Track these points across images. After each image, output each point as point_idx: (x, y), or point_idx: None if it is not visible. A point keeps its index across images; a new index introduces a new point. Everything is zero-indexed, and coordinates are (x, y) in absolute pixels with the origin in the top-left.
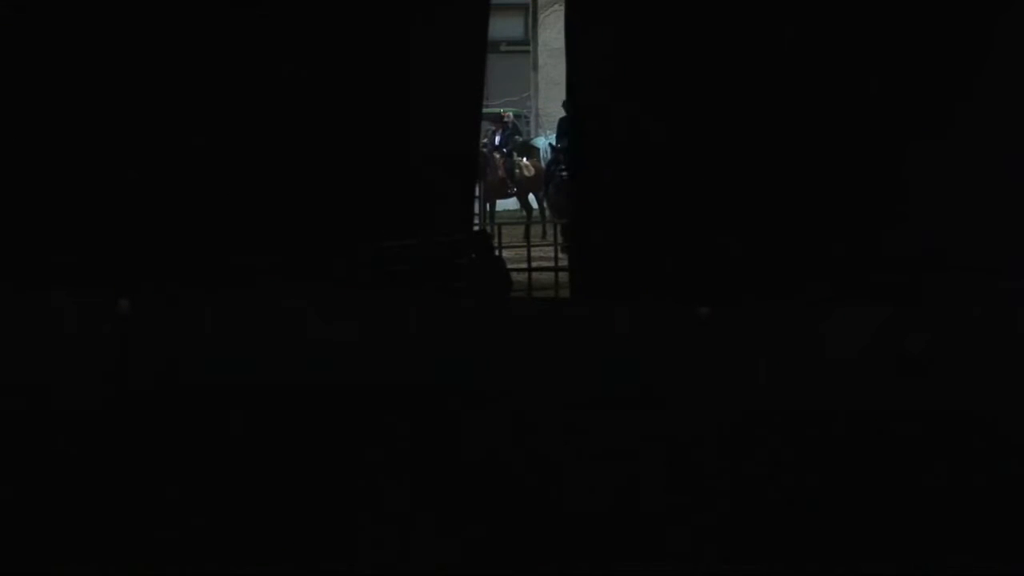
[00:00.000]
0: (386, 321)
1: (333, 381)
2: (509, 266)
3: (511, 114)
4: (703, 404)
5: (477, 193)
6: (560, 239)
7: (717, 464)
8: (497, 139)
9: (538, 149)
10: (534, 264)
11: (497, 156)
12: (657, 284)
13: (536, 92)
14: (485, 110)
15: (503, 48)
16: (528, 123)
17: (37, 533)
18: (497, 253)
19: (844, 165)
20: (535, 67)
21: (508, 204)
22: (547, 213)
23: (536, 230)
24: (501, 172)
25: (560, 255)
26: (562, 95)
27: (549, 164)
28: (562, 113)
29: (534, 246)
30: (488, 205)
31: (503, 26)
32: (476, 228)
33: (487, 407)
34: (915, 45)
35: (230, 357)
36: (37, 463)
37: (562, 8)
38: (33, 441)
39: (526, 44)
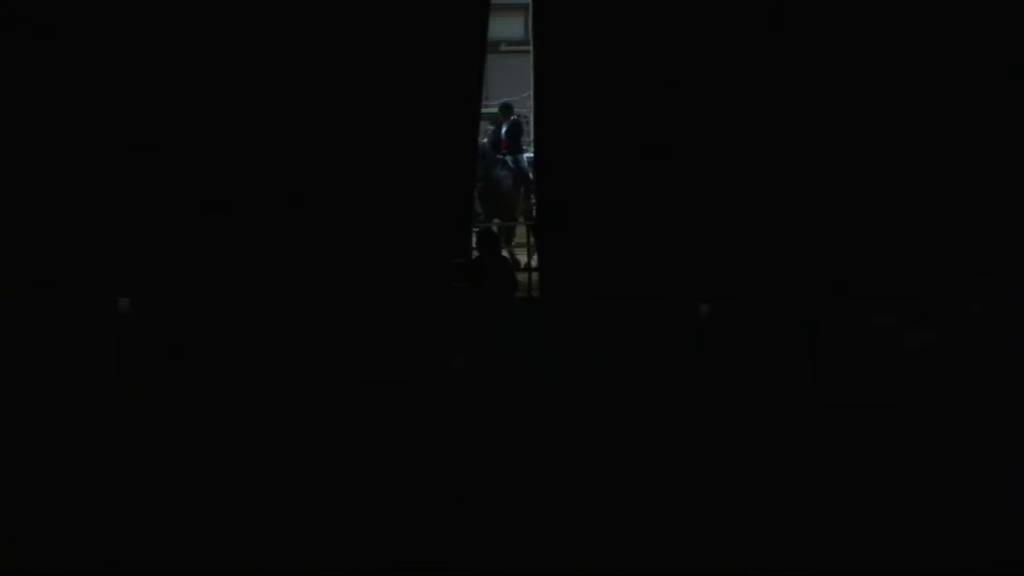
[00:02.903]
0: (385, 319)
1: (331, 379)
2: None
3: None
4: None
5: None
6: None
7: (714, 460)
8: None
9: None
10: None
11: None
12: (628, 282)
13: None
14: (485, 110)
15: (503, 48)
16: (528, 123)
17: (35, 531)
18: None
19: (838, 166)
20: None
21: None
22: None
23: None
24: None
25: None
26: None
27: None
28: None
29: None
30: None
31: (503, 26)
32: (485, 228)
33: (487, 402)
34: (912, 53)
35: (228, 354)
36: (36, 460)
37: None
38: (33, 437)
39: (526, 44)
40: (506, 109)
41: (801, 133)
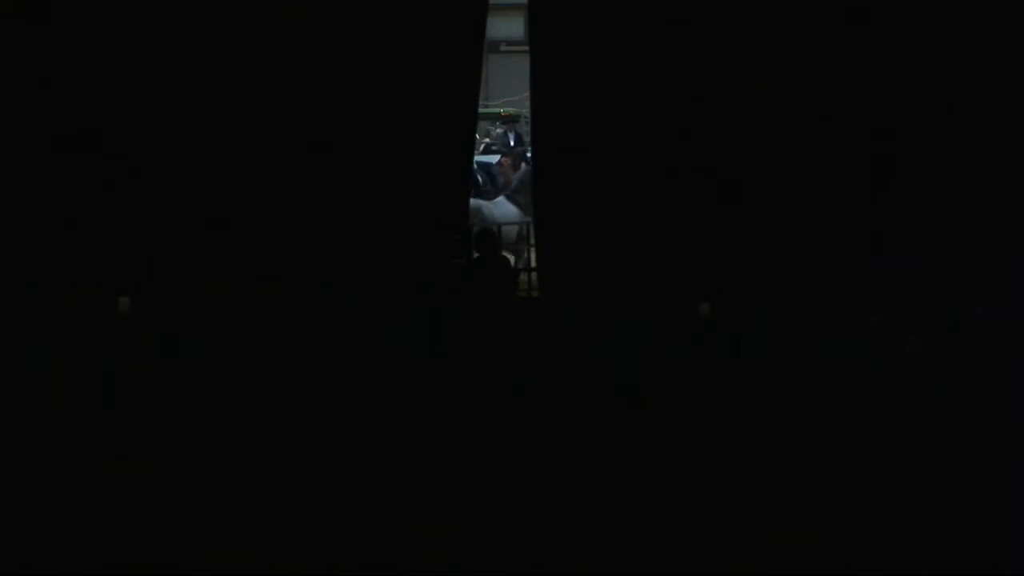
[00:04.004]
0: (385, 319)
1: (331, 379)
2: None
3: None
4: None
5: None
6: None
7: (715, 461)
8: (512, 140)
9: None
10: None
11: (506, 159)
12: (627, 282)
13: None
14: (485, 110)
15: (503, 48)
16: (528, 123)
17: (34, 531)
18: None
19: (838, 166)
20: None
21: None
22: None
23: None
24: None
25: None
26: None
27: None
28: None
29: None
30: None
31: (503, 26)
32: (484, 228)
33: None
34: (912, 53)
35: (228, 354)
36: (36, 460)
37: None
38: (33, 438)
39: (526, 44)
40: None
41: (800, 133)
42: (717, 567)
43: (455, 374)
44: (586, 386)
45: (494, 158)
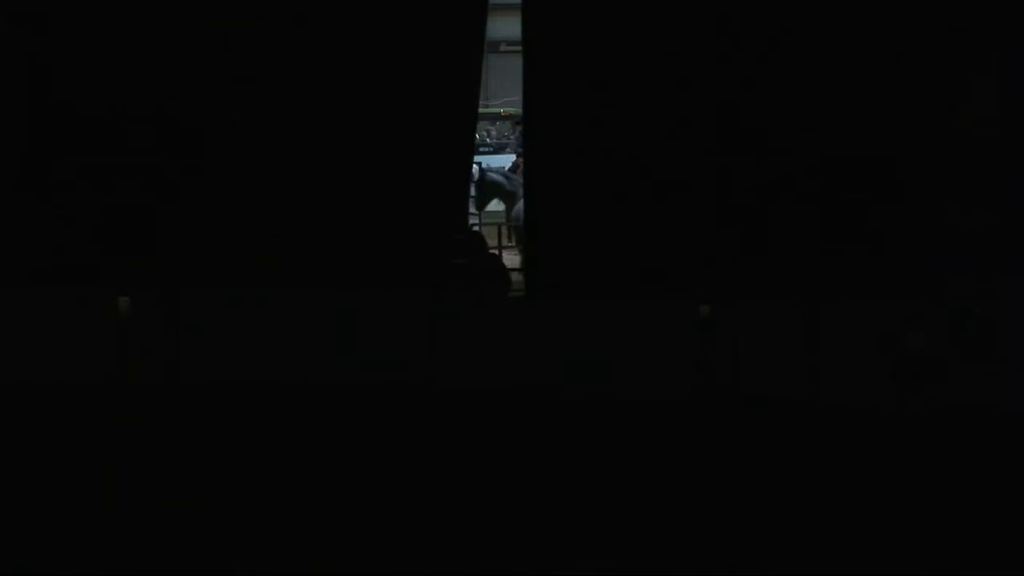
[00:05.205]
0: (385, 319)
1: (331, 379)
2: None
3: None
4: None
5: (474, 193)
6: None
7: (714, 461)
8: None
9: None
10: None
11: (521, 160)
12: (618, 284)
13: None
14: (485, 110)
15: (503, 48)
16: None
17: (34, 531)
18: (497, 253)
19: (836, 165)
20: None
21: None
22: None
23: None
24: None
25: None
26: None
27: None
28: None
29: None
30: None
31: (503, 26)
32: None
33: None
34: (913, 52)
35: (228, 354)
36: (36, 460)
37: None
38: (33, 437)
39: None
40: None
41: (798, 131)
42: (717, 567)
43: (454, 374)
44: (585, 386)
45: (492, 159)
